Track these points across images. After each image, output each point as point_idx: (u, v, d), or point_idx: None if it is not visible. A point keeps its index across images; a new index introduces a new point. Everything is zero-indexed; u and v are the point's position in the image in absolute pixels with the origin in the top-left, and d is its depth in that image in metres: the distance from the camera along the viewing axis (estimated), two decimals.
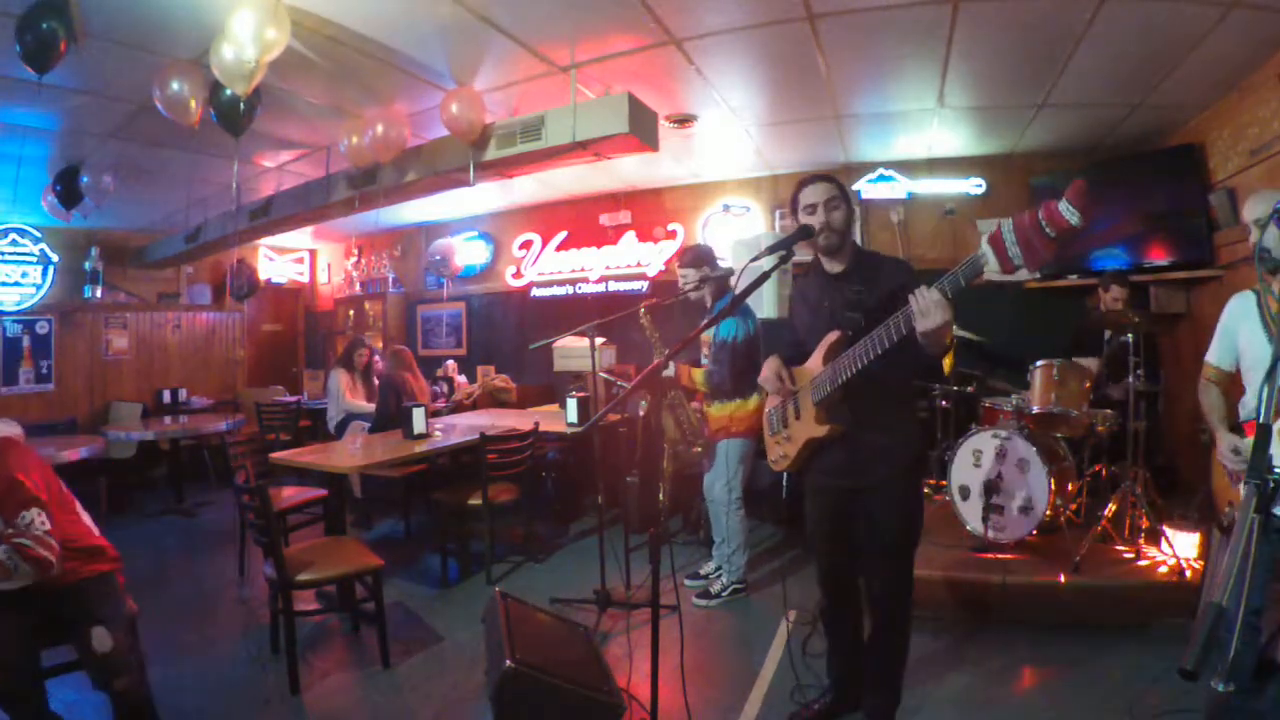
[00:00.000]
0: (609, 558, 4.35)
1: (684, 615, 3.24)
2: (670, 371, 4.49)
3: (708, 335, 4.45)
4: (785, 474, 2.92)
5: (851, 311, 2.59)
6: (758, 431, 4.42)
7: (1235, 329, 2.82)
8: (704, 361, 4.51)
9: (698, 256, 4.50)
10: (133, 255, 8.91)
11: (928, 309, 2.15)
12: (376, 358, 7.44)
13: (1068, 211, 1.90)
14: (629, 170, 6.97)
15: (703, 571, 4.64)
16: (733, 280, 4.42)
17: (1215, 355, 2.92)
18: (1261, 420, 1.49)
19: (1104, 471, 4.95)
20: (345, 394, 7.02)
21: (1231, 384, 2.88)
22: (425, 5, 3.68)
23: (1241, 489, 1.57)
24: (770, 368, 2.81)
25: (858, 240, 2.89)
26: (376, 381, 6.99)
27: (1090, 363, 4.84)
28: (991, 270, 2.08)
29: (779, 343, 3.02)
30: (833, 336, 2.62)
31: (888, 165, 6.56)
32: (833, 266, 2.73)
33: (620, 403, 3.76)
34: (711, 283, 4.41)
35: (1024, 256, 1.98)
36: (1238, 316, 2.82)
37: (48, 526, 2.58)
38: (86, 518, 2.97)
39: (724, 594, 4.44)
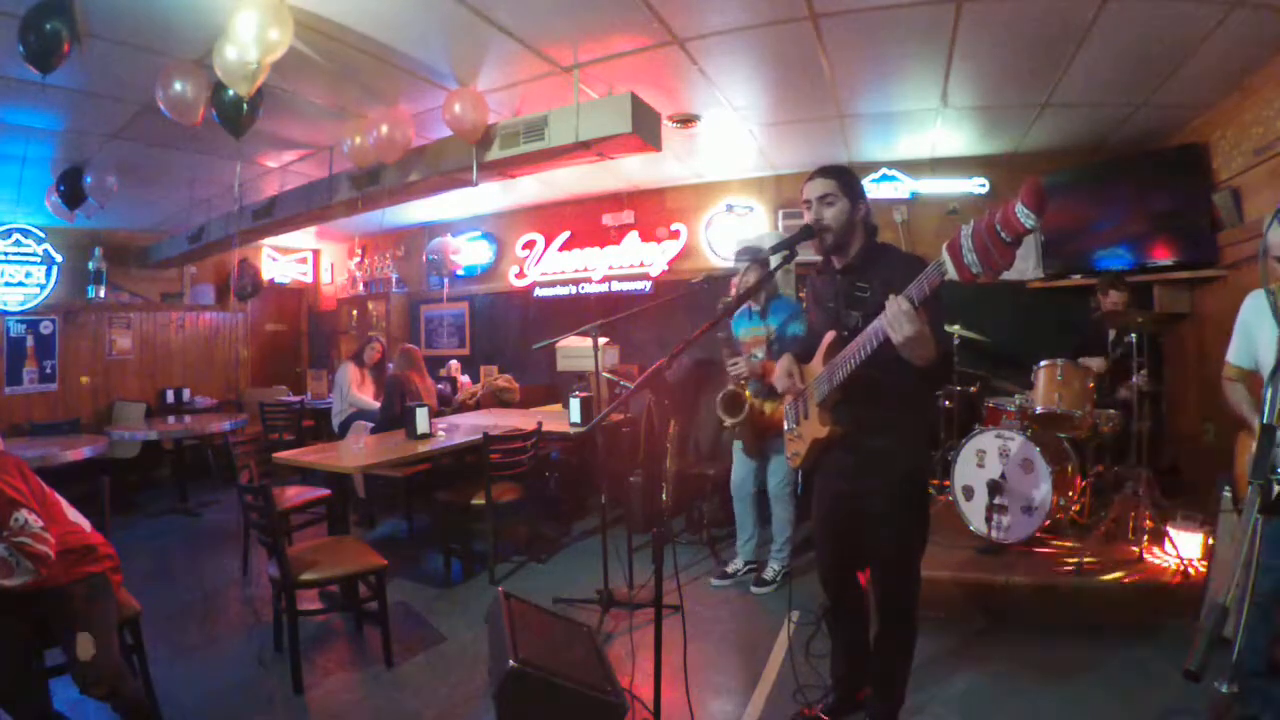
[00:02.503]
0: (612, 558, 4.36)
1: (687, 615, 3.24)
2: (756, 368, 4.40)
3: (760, 335, 4.43)
4: (800, 471, 2.90)
5: (853, 310, 2.54)
6: None
7: (1253, 328, 2.81)
8: (757, 356, 4.44)
9: (753, 252, 4.50)
10: (136, 255, 8.94)
11: (895, 319, 2.09)
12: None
13: (1023, 215, 1.78)
14: (632, 170, 6.97)
15: (729, 569, 4.65)
16: (734, 280, 4.43)
17: (1235, 354, 2.91)
18: (1266, 421, 1.49)
19: (1107, 472, 4.95)
20: (352, 387, 7.08)
21: (1254, 380, 2.87)
22: (428, 6, 3.69)
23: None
24: (783, 365, 2.79)
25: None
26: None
27: (1096, 363, 4.82)
28: (951, 278, 1.98)
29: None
30: (830, 336, 2.60)
31: (891, 165, 6.55)
32: (839, 261, 2.67)
33: (623, 402, 3.76)
34: (770, 282, 4.40)
35: (981, 264, 1.88)
36: (1254, 316, 2.81)
37: (42, 523, 2.60)
38: (74, 514, 2.95)
39: (777, 579, 4.59)
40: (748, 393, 4.54)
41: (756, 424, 4.55)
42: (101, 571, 2.87)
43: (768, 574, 4.61)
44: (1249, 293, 2.90)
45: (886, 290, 2.23)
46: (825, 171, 2.63)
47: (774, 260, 2.64)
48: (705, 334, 2.55)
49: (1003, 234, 1.81)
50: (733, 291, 4.55)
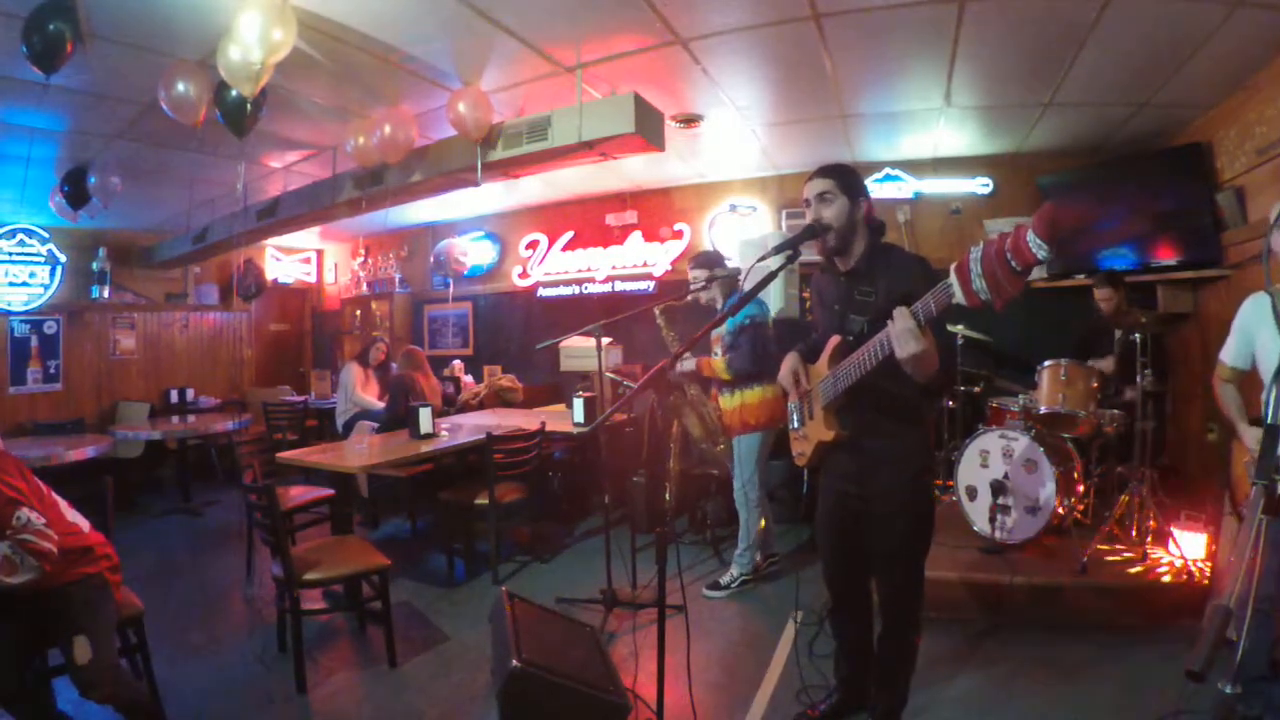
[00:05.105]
0: (615, 557, 4.35)
1: (690, 615, 3.24)
2: (690, 366, 4.51)
3: (717, 332, 4.48)
4: (805, 470, 2.90)
5: (857, 314, 2.53)
6: (770, 423, 4.44)
7: (1252, 331, 2.81)
8: (716, 355, 4.52)
9: (707, 259, 4.61)
10: (140, 255, 8.96)
11: (901, 336, 2.06)
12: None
13: (1035, 245, 1.73)
14: (635, 170, 6.97)
15: (722, 581, 4.63)
16: (740, 280, 4.45)
17: (1230, 355, 2.92)
18: (1270, 421, 1.48)
19: (1111, 472, 4.94)
20: (357, 387, 7.10)
21: (1246, 382, 2.88)
22: (431, 6, 3.69)
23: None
24: (788, 365, 2.79)
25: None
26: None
27: (1105, 363, 4.81)
28: (959, 302, 1.93)
29: (788, 339, 2.99)
30: (835, 341, 2.59)
31: (894, 165, 6.55)
32: (842, 264, 2.65)
33: (627, 402, 3.77)
34: (722, 282, 4.47)
35: (990, 292, 1.84)
36: (1254, 318, 2.81)
37: (45, 520, 2.60)
38: (72, 515, 2.94)
39: (733, 585, 4.52)
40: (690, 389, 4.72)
41: (696, 412, 4.68)
42: (99, 572, 2.85)
43: (724, 578, 4.57)
44: (1250, 294, 2.90)
45: (890, 295, 2.22)
46: (823, 170, 2.63)
47: (775, 260, 2.63)
48: (707, 334, 2.56)
49: (1013, 263, 1.78)
50: (700, 299, 4.62)
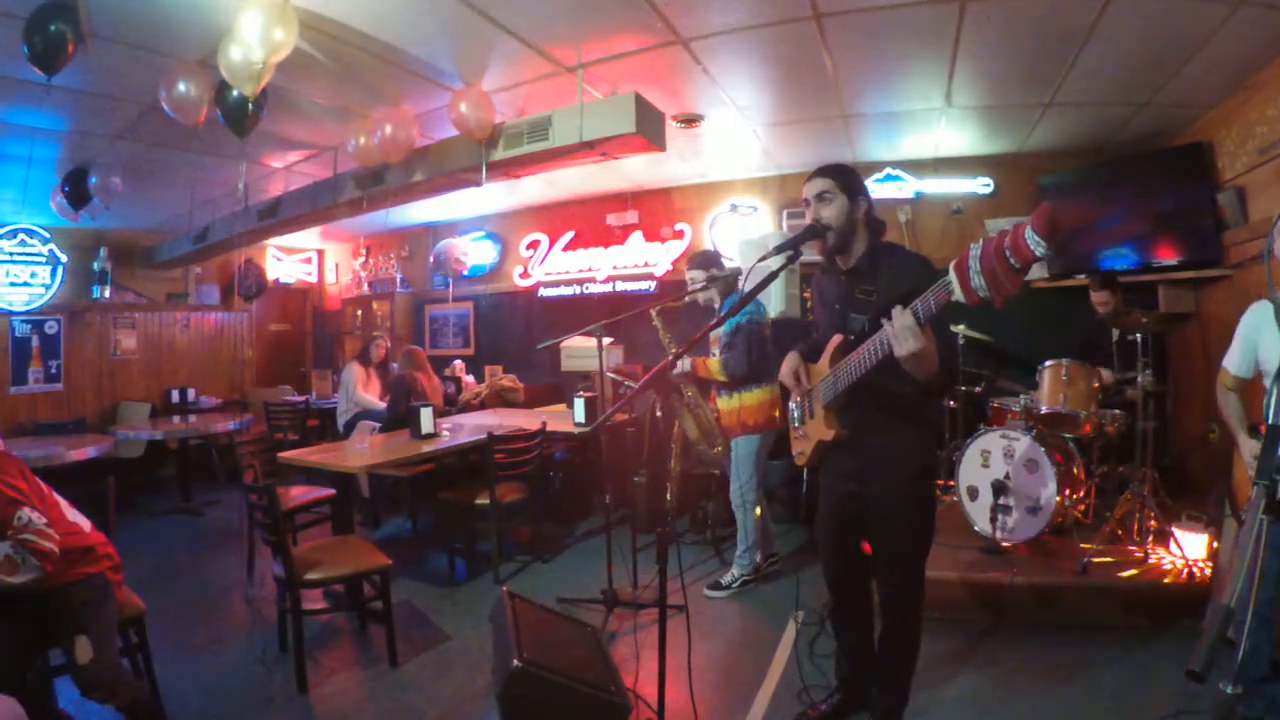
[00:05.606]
0: (616, 557, 4.35)
1: (691, 615, 3.24)
2: (686, 367, 4.51)
3: (715, 333, 4.48)
4: (805, 470, 2.90)
5: (857, 313, 2.53)
6: (768, 425, 4.44)
7: (1256, 338, 2.81)
8: (714, 356, 4.53)
9: (705, 259, 4.62)
10: (141, 255, 8.96)
11: (900, 333, 2.07)
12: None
13: (1034, 242, 1.74)
14: (636, 170, 6.97)
15: (723, 581, 4.63)
16: (740, 280, 4.45)
17: (1234, 363, 2.91)
18: (1272, 421, 1.48)
19: (1112, 472, 4.93)
20: (358, 387, 7.11)
21: (1249, 390, 2.87)
22: (431, 6, 3.69)
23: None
24: (789, 364, 2.79)
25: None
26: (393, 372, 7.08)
27: (1104, 374, 4.80)
28: (958, 299, 1.94)
29: (788, 339, 2.99)
30: (836, 340, 2.59)
31: (895, 165, 6.54)
32: (843, 263, 2.65)
33: (628, 402, 3.77)
34: (719, 283, 4.47)
35: (989, 288, 1.84)
36: (1258, 326, 2.81)
37: (46, 520, 2.60)
38: (73, 515, 2.94)
39: (734, 585, 4.52)
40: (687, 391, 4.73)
41: (694, 417, 4.69)
42: (100, 572, 2.85)
43: (725, 579, 4.58)
44: (1254, 301, 2.90)
45: (891, 293, 2.23)
46: (822, 170, 2.64)
47: (776, 260, 2.63)
48: (706, 335, 2.55)
49: (1012, 260, 1.78)
50: (699, 300, 4.64)
